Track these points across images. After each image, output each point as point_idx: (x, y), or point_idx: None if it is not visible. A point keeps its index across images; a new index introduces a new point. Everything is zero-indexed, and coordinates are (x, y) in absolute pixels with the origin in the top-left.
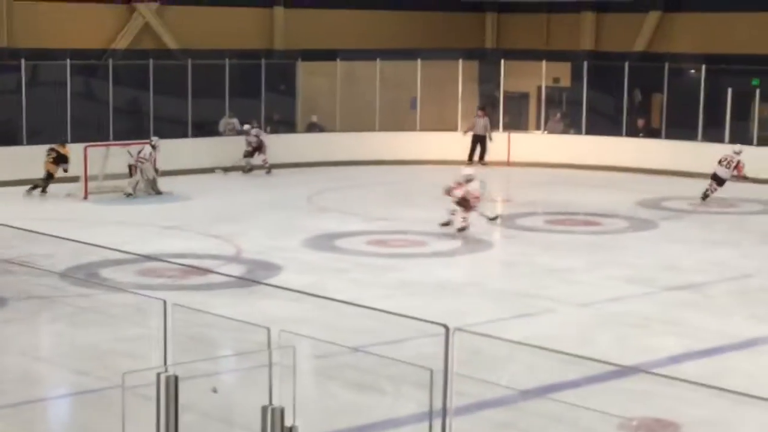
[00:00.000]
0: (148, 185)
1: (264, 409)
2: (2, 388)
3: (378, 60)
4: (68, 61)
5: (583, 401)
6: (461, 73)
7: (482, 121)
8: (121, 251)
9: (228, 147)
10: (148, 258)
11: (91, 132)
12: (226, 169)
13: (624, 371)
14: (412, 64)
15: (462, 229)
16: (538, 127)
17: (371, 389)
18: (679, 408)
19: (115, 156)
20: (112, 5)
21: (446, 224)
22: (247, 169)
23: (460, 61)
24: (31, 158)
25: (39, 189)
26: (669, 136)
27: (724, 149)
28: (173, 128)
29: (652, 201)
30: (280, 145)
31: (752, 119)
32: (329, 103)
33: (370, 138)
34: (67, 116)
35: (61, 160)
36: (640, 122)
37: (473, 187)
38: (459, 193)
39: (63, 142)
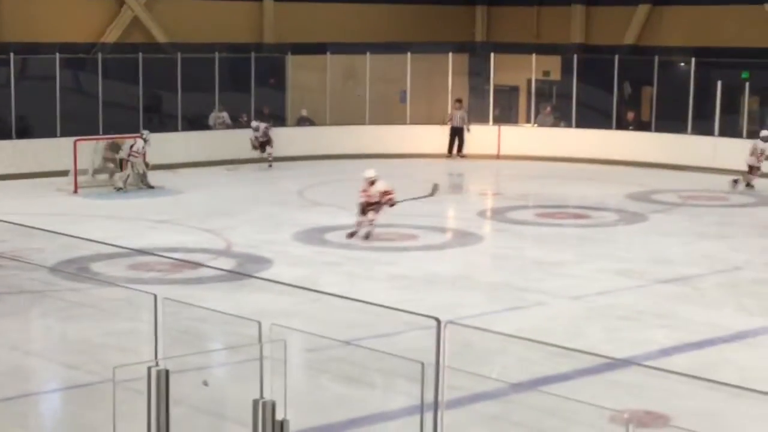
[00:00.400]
0: (137, 179)
1: (255, 403)
2: None
3: (368, 53)
4: (57, 54)
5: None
6: (451, 67)
7: (459, 113)
8: (112, 245)
9: (218, 141)
10: (139, 252)
11: (81, 126)
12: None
13: (615, 364)
14: (402, 58)
15: (366, 236)
16: (528, 121)
17: (362, 383)
18: (671, 400)
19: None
20: None
21: (353, 234)
22: (270, 161)
23: (450, 54)
24: (21, 152)
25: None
26: (659, 129)
27: (713, 142)
28: (163, 122)
29: (642, 194)
30: None
31: (742, 112)
32: (319, 97)
33: (360, 132)
34: (56, 110)
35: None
36: (630, 115)
37: (381, 187)
38: (363, 199)
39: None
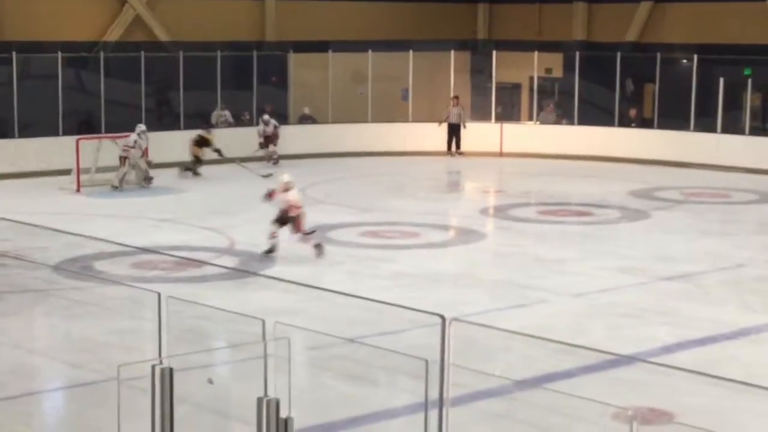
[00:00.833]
0: (139, 177)
1: (259, 401)
2: None
3: (370, 51)
4: (59, 53)
5: (577, 391)
6: (453, 64)
7: (456, 110)
8: (115, 243)
9: (221, 139)
10: (143, 250)
11: (83, 124)
12: (243, 160)
13: (618, 361)
14: (404, 56)
15: (269, 251)
16: (530, 118)
17: (366, 380)
18: (674, 397)
19: (107, 149)
20: None
21: (270, 251)
22: (275, 159)
23: (452, 52)
24: (23, 151)
25: (190, 171)
26: (661, 126)
27: (716, 139)
28: (165, 120)
29: (644, 191)
30: None
31: (744, 109)
32: (321, 95)
33: (362, 129)
34: (58, 109)
35: (203, 143)
36: (633, 112)
37: (292, 197)
38: (273, 200)
39: (208, 129)
